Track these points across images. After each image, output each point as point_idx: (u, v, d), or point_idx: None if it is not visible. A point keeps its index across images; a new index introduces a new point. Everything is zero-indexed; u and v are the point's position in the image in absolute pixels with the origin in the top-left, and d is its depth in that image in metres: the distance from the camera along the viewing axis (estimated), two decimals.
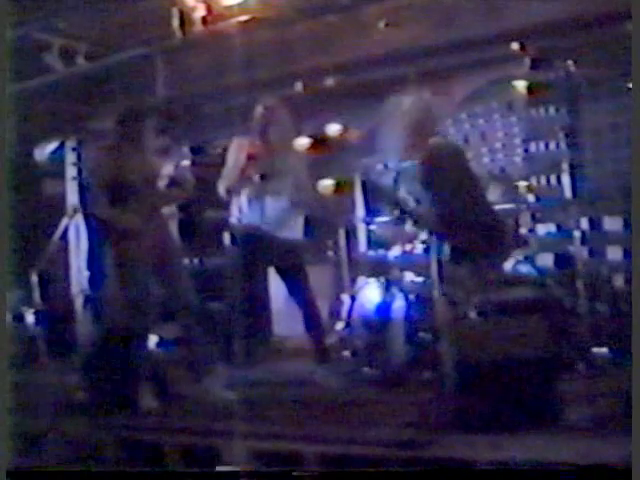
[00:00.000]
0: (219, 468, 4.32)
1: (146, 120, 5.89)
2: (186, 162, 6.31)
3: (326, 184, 5.87)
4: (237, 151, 6.08)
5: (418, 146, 5.58)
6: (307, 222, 6.24)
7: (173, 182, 5.89)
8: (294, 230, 6.17)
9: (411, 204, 5.64)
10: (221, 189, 6.07)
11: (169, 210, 6.21)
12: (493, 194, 6.74)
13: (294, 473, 4.09)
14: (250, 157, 6.01)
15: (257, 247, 6.04)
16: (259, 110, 6.09)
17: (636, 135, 3.77)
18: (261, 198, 6.04)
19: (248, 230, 6.10)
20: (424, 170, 5.51)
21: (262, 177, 5.98)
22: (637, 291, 3.57)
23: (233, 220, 6.23)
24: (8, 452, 3.90)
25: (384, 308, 6.03)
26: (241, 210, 6.15)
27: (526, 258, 6.45)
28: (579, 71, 5.47)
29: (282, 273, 6.32)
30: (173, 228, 6.37)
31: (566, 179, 5.86)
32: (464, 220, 5.46)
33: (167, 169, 5.92)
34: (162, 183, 5.85)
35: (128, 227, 5.63)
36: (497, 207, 6.03)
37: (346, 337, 6.38)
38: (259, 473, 4.25)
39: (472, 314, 4.97)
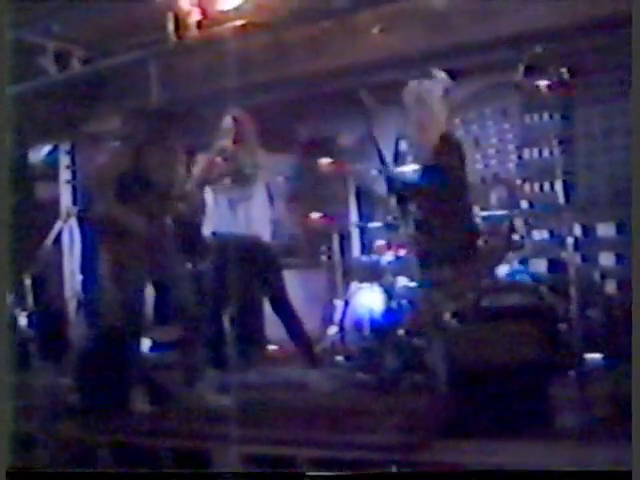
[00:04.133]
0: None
1: (146, 123, 5.90)
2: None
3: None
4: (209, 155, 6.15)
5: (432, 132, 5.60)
6: (275, 225, 6.28)
7: (180, 196, 5.93)
8: (264, 232, 6.19)
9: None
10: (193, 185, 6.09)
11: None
12: (488, 199, 6.77)
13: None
14: (218, 162, 6.08)
15: (240, 254, 6.03)
16: (227, 120, 6.13)
17: (636, 137, 3.77)
18: (234, 204, 6.07)
19: (229, 237, 6.10)
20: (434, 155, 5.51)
21: (233, 181, 6.04)
22: (637, 293, 3.58)
23: (215, 227, 6.23)
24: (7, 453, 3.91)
25: (377, 313, 6.04)
26: (219, 216, 6.17)
27: (520, 263, 6.47)
28: (573, 77, 5.48)
29: (262, 284, 6.31)
30: (170, 232, 6.35)
31: (559, 185, 5.87)
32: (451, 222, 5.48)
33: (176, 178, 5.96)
34: (170, 193, 5.86)
35: (127, 227, 5.62)
36: (491, 213, 6.05)
37: (339, 342, 6.39)
38: (251, 475, 4.26)
39: (464, 319, 4.98)
